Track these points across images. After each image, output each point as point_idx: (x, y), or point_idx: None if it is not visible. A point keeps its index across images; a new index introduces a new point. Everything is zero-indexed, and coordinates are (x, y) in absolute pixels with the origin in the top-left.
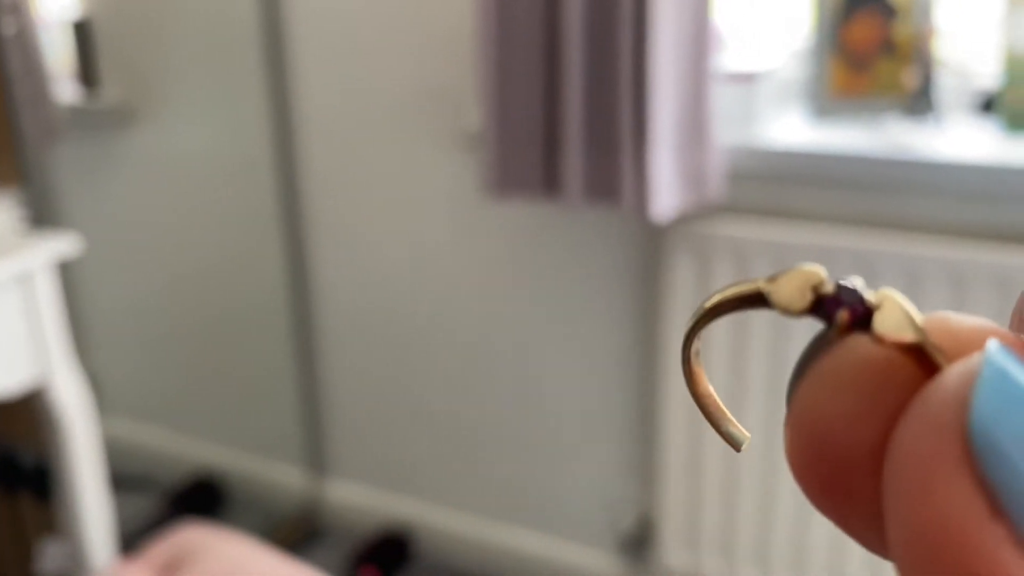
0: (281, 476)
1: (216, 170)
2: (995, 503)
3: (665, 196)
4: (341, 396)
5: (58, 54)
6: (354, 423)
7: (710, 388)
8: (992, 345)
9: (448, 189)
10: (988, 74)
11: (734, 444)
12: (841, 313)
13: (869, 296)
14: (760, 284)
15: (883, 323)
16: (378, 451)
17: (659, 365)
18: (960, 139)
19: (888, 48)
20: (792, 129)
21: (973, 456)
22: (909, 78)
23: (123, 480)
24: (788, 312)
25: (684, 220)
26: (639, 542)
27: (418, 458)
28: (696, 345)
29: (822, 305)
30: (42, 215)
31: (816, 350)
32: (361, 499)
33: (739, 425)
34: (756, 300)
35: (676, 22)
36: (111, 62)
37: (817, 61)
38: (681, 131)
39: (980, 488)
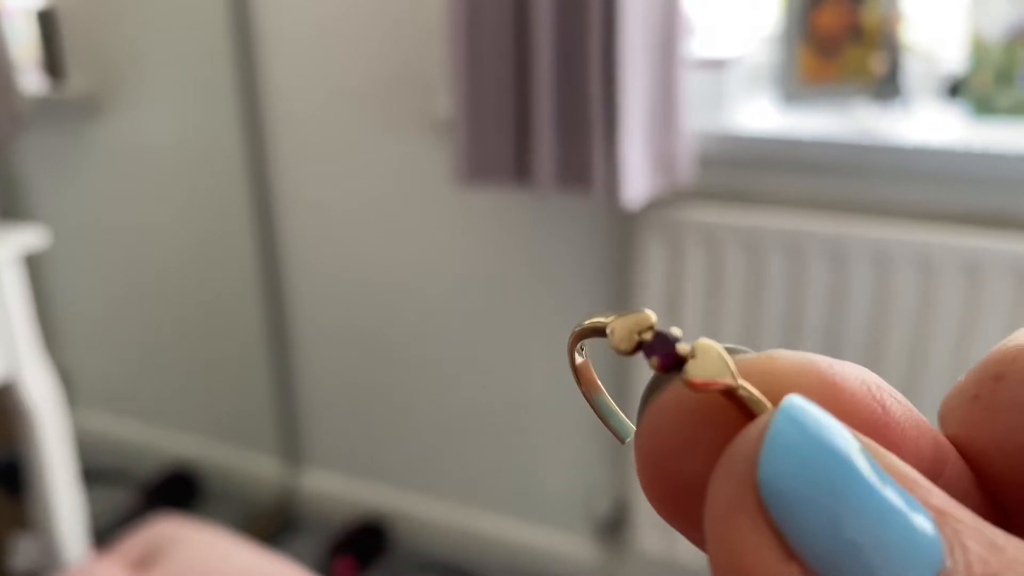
0: (256, 467)
1: (185, 160)
2: (787, 547)
3: (636, 182)
4: (316, 386)
5: (23, 44)
6: (329, 413)
7: (596, 379)
8: (787, 399)
9: (419, 177)
10: (954, 59)
11: (619, 436)
12: (652, 360)
13: (683, 346)
14: (609, 321)
15: (697, 370)
16: (353, 440)
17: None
18: (927, 124)
19: (856, 34)
20: (761, 115)
21: (763, 504)
22: (877, 63)
23: (97, 473)
24: (618, 351)
25: (655, 206)
26: (615, 526)
27: (393, 447)
28: (580, 355)
29: (644, 351)
30: (8, 207)
31: (653, 387)
32: (337, 489)
33: (625, 417)
34: (601, 333)
35: (645, 8)
36: (77, 52)
37: (786, 47)
38: (651, 117)
39: (774, 533)
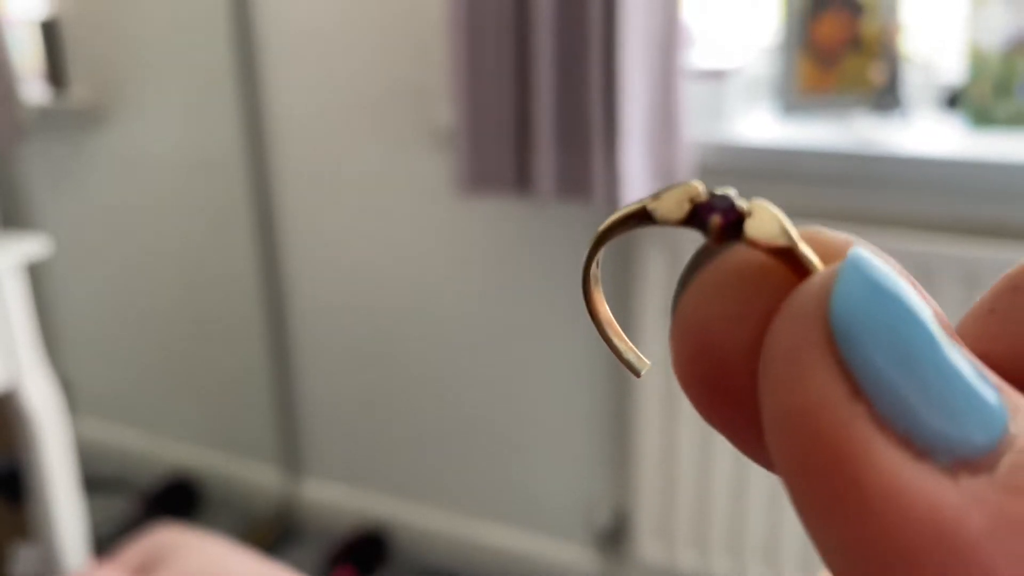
0: (256, 476)
1: (187, 170)
2: (855, 385)
3: (636, 192)
4: (316, 395)
5: (26, 54)
6: (329, 422)
7: (609, 314)
8: (854, 250)
9: (420, 187)
10: (953, 70)
11: (634, 371)
12: (714, 218)
13: (741, 203)
14: (645, 201)
15: (755, 229)
16: (353, 450)
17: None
18: (926, 134)
19: (855, 44)
20: (761, 125)
21: (834, 342)
22: (876, 74)
23: (97, 482)
24: (668, 222)
25: None
26: (614, 536)
27: (393, 456)
28: (595, 270)
29: (698, 214)
30: (10, 216)
31: (697, 262)
32: (337, 498)
33: (639, 352)
34: (642, 217)
35: (645, 19)
36: (79, 62)
37: (785, 58)
38: (651, 127)
39: (841, 371)
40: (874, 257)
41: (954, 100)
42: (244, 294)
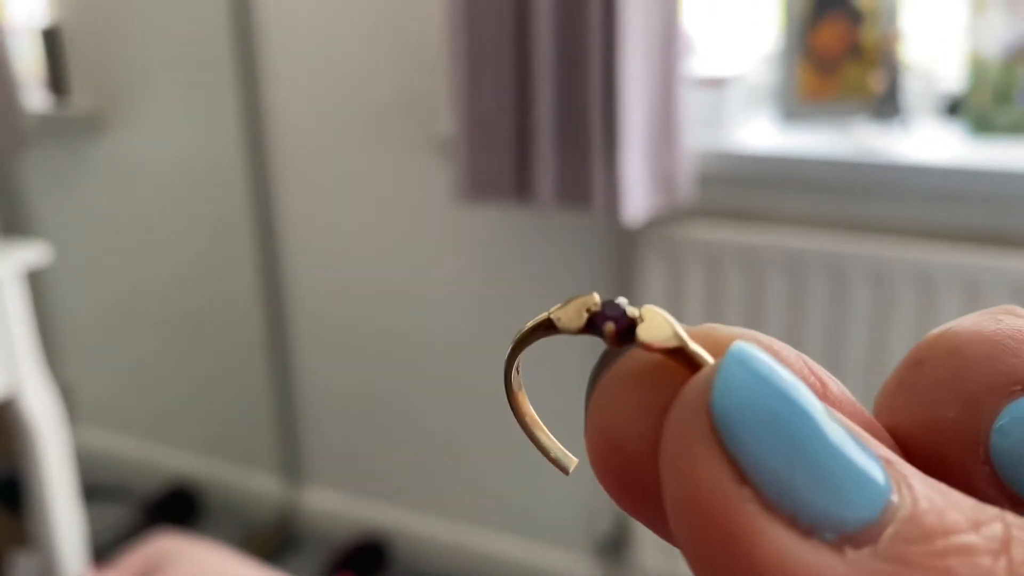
0: (257, 484)
1: (188, 178)
2: (740, 472)
3: (636, 200)
4: (316, 403)
5: (27, 61)
6: (329, 430)
7: (534, 414)
8: (736, 343)
9: (420, 194)
10: (953, 78)
11: (561, 467)
12: (608, 326)
13: (633, 310)
14: (552, 311)
15: (647, 332)
16: (354, 458)
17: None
18: (926, 142)
19: (855, 52)
20: (761, 133)
21: (717, 431)
22: (876, 82)
23: (97, 490)
24: (570, 331)
25: (655, 224)
26: (616, 544)
27: (394, 464)
28: (515, 376)
29: (594, 323)
30: (11, 223)
31: (602, 365)
32: (337, 506)
33: (564, 450)
34: (548, 327)
35: (645, 27)
36: (81, 69)
37: (785, 65)
38: (651, 135)
39: (727, 459)
40: (756, 349)
41: (954, 108)
42: (244, 301)
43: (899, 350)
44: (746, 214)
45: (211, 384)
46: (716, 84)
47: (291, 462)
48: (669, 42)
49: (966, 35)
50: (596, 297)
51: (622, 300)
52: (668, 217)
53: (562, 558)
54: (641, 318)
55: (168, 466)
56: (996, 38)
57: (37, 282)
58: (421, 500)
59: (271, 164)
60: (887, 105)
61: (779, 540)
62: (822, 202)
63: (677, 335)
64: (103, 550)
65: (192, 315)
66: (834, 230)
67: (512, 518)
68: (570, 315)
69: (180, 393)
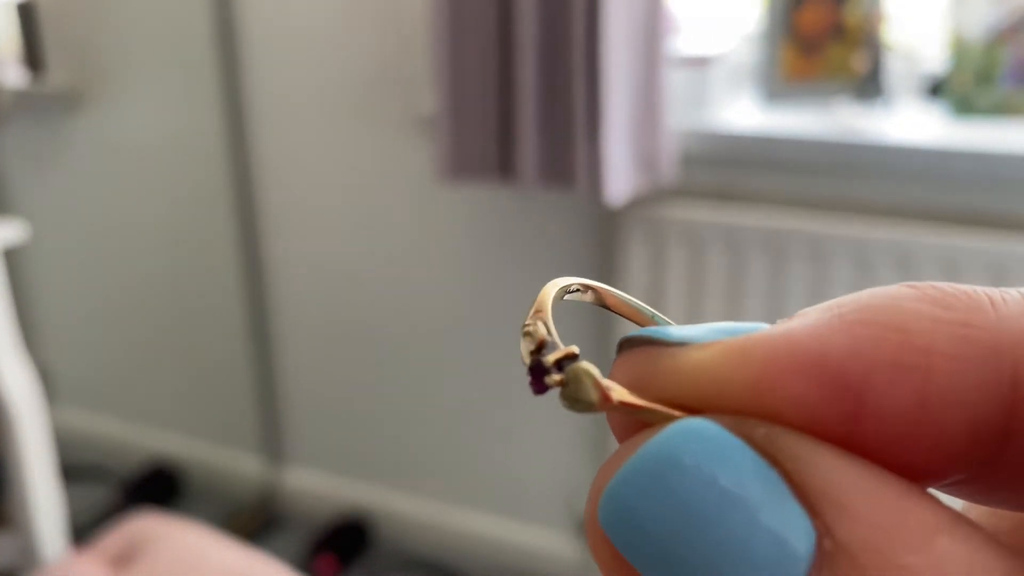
0: (237, 464)
1: (167, 156)
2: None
3: (619, 179)
4: (297, 382)
5: (2, 36)
6: (311, 409)
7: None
8: (644, 449)
9: (403, 174)
10: (935, 59)
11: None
12: (533, 384)
13: (553, 377)
14: (528, 324)
15: (565, 397)
16: (335, 437)
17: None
18: (908, 123)
19: (838, 33)
20: (744, 113)
21: (607, 539)
22: (859, 62)
23: (76, 470)
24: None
25: (638, 203)
26: None
27: (376, 444)
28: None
29: (533, 372)
30: None
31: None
32: (319, 486)
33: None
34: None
35: (628, 6)
36: (57, 44)
37: (769, 45)
38: (634, 115)
39: (615, 553)
40: (650, 459)
41: (936, 89)
42: (225, 281)
43: None
44: (729, 194)
45: (191, 363)
46: (699, 64)
47: (272, 442)
48: (652, 21)
49: (948, 16)
50: (541, 338)
51: (558, 352)
52: (651, 197)
53: (545, 537)
54: (564, 381)
55: (148, 446)
56: (978, 19)
57: (14, 261)
58: (403, 480)
59: (251, 141)
60: (870, 86)
61: None
62: (804, 182)
63: (600, 400)
64: (82, 531)
65: (172, 294)
66: (816, 211)
67: (494, 497)
68: (522, 351)
69: (160, 373)
